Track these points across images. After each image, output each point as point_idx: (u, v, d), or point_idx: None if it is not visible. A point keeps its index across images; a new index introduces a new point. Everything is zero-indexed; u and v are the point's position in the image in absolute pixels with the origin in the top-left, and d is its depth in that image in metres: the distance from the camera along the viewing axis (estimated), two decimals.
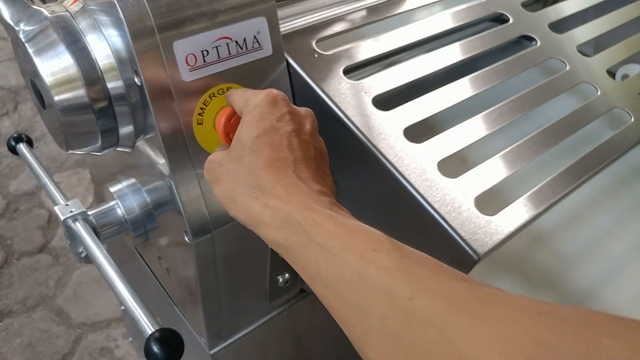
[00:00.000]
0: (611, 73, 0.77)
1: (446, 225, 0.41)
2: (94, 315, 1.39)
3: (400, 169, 0.44)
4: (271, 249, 0.34)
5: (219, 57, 0.44)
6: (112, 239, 0.54)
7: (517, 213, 0.44)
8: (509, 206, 0.45)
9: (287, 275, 0.62)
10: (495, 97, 0.55)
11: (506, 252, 0.58)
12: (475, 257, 0.40)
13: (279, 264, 0.60)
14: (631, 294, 0.55)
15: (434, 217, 0.42)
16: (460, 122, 0.50)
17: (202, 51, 0.42)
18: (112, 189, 0.55)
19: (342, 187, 0.51)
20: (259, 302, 0.63)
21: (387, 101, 0.52)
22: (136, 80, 0.41)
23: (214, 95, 0.45)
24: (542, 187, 0.47)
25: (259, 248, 0.56)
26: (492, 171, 0.47)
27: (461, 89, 0.53)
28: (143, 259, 0.72)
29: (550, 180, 0.48)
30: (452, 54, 0.56)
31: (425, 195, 0.42)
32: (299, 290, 0.67)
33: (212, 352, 0.62)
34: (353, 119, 0.46)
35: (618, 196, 0.65)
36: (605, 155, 0.52)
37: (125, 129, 0.46)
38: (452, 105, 0.51)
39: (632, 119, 0.57)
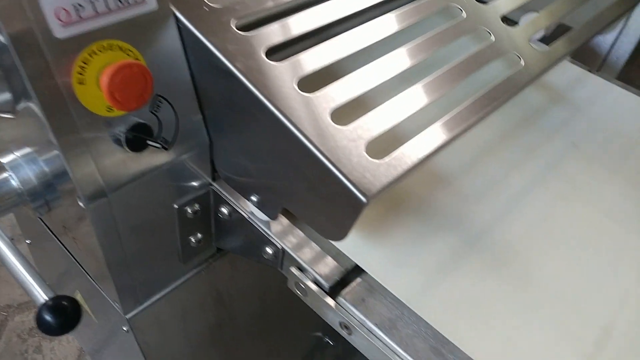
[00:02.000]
0: (513, 21, 0.79)
1: (336, 171, 0.42)
2: (20, 297, 1.34)
3: (292, 119, 0.44)
4: (178, 209, 0.34)
5: (96, 12, 0.42)
6: (8, 212, 0.52)
7: (407, 155, 0.46)
8: (399, 149, 0.46)
9: (199, 235, 0.62)
10: (393, 45, 0.56)
11: (408, 194, 0.60)
12: (363, 199, 0.41)
13: (189, 224, 0.60)
14: (522, 229, 0.58)
15: (324, 165, 0.42)
16: (355, 70, 0.51)
17: (74, 5, 0.40)
18: (4, 160, 0.53)
19: (239, 146, 0.51)
20: (173, 264, 0.63)
21: (281, 53, 0.51)
22: (1, 38, 0.39)
23: (94, 53, 0.43)
24: (433, 129, 0.49)
25: (164, 209, 0.56)
26: (385, 117, 0.48)
27: (360, 38, 0.53)
28: (52, 232, 0.70)
29: (441, 123, 0.50)
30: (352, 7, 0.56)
31: (317, 143, 0.43)
32: (216, 249, 0.67)
33: (128, 316, 0.61)
34: (244, 71, 0.46)
35: (514, 138, 0.69)
36: (495, 97, 0.55)
37: (1, 95, 0.43)
38: (349, 55, 0.51)
39: (523, 63, 0.60)
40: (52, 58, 0.40)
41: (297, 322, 0.94)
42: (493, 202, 0.61)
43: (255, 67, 0.47)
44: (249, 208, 0.56)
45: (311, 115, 0.45)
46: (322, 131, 0.44)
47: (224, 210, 0.58)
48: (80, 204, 0.47)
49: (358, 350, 0.51)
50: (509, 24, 0.64)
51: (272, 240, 0.55)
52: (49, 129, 0.43)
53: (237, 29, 0.49)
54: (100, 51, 0.43)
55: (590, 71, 0.85)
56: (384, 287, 0.51)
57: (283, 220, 0.56)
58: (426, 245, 0.55)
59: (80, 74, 0.42)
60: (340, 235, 0.46)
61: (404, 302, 0.50)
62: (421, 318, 0.49)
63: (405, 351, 0.48)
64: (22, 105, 0.46)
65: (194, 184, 0.57)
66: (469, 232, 0.57)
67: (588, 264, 0.56)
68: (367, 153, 0.44)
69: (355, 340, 0.51)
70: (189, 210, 0.58)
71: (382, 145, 0.46)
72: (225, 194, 0.58)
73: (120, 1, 0.44)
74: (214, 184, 0.58)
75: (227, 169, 0.56)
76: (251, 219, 0.56)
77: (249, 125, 0.49)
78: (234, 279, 0.72)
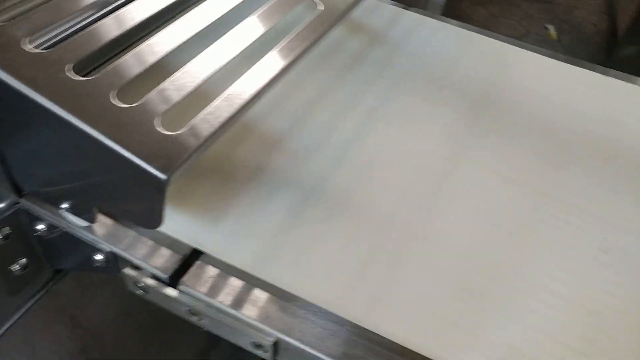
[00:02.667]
0: None
1: (125, 152, 0.39)
2: None
3: (65, 106, 0.39)
4: None
5: None
6: None
7: (208, 121, 0.43)
8: (198, 115, 0.43)
9: (24, 260, 0.56)
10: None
11: (239, 163, 0.57)
12: (163, 177, 0.38)
13: (4, 251, 0.53)
14: (353, 174, 0.58)
15: (111, 148, 0.39)
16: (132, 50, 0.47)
17: None
18: None
19: (31, 153, 0.46)
20: (1, 300, 0.56)
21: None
22: None
23: None
24: (234, 89, 0.47)
25: None
26: (179, 85, 0.45)
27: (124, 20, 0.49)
28: None
29: (242, 81, 0.48)
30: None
31: (97, 126, 0.39)
32: (53, 271, 0.61)
33: None
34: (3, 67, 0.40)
35: (337, 87, 0.69)
36: (294, 46, 0.53)
37: None
38: (116, 37, 0.47)
39: (322, 7, 0.59)
40: None
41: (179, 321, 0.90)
42: (323, 153, 0.60)
43: (18, 60, 0.41)
44: (67, 218, 0.51)
45: (90, 99, 0.41)
46: (104, 113, 0.40)
47: (41, 226, 0.53)
48: None
49: None
50: None
51: (98, 245, 0.50)
52: None
53: None
54: None
55: (405, 8, 0.87)
56: (226, 263, 0.49)
57: (106, 222, 0.51)
58: (263, 211, 0.53)
59: None
60: (156, 221, 0.43)
61: (249, 271, 0.48)
62: (267, 282, 0.48)
63: (258, 321, 0.46)
64: None
65: None
66: (303, 188, 0.56)
67: (419, 194, 0.57)
68: (162, 127, 0.41)
69: (207, 324, 0.49)
70: None
71: (190, 115, 0.43)
72: (36, 208, 0.52)
73: None
74: (22, 201, 0.52)
75: (30, 181, 0.50)
76: (71, 229, 0.51)
77: (30, 127, 0.44)
78: (85, 297, 0.66)
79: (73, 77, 0.42)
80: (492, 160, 0.62)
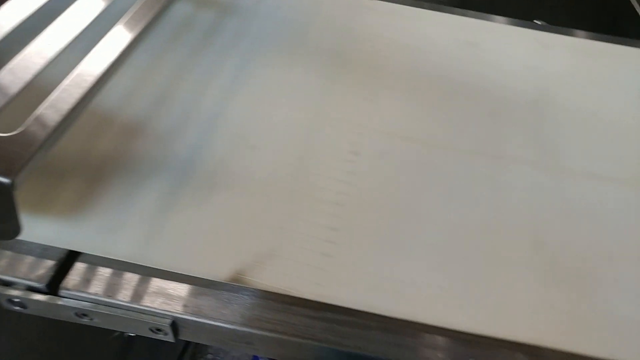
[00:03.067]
0: None
1: None
2: None
3: None
4: None
5: None
6: None
7: (48, 115, 0.41)
8: (37, 111, 0.41)
9: None
10: None
11: (107, 158, 0.55)
12: (7, 182, 0.36)
13: None
14: (221, 148, 0.58)
15: None
16: None
17: None
18: None
19: None
20: None
21: None
22: None
23: None
24: (82, 69, 0.45)
25: None
26: (9, 83, 0.42)
27: None
28: None
29: (87, 61, 0.46)
30: None
31: None
32: None
33: None
34: None
35: (194, 65, 0.68)
36: (139, 19, 0.52)
37: None
38: None
39: None
40: None
41: (88, 335, 0.86)
42: (189, 131, 0.59)
43: None
44: None
45: None
46: None
47: None
48: None
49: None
50: None
51: None
52: None
53: None
54: None
55: None
56: (106, 258, 0.48)
57: None
58: (137, 199, 0.52)
59: None
60: (13, 229, 0.41)
61: (130, 261, 0.47)
62: (151, 267, 0.47)
63: (149, 306, 0.45)
64: None
65: None
66: (174, 170, 0.55)
67: (290, 157, 0.59)
68: None
69: (100, 322, 0.47)
70: None
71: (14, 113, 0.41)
72: None
73: None
74: None
75: None
76: None
77: None
78: None
79: None
80: (355, 115, 0.65)
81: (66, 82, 0.43)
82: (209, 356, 1.36)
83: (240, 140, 0.59)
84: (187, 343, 1.19)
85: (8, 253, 0.47)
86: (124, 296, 0.46)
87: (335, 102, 0.65)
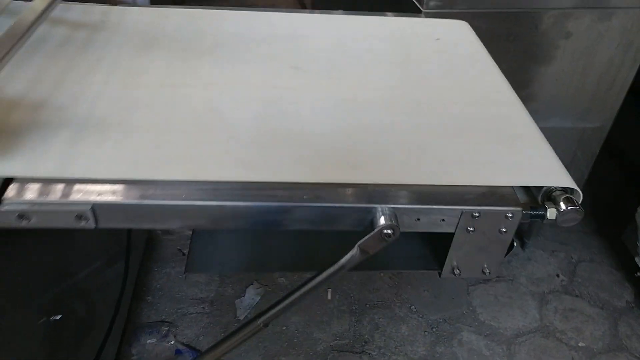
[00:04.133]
0: None
1: None
2: None
3: None
4: None
5: None
6: None
7: None
8: None
9: None
10: None
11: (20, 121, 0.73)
12: None
13: None
14: (108, 107, 0.78)
15: None
16: None
17: None
18: None
19: None
20: None
21: None
22: None
23: None
24: None
25: None
26: None
27: None
28: None
29: None
30: None
31: None
32: None
33: None
34: None
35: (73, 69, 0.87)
36: None
37: None
38: None
39: None
40: None
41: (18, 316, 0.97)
42: (76, 101, 0.79)
43: None
44: None
45: None
46: None
47: None
48: None
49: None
50: None
51: None
52: None
53: None
54: None
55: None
56: (29, 176, 0.65)
57: None
58: (46, 143, 0.70)
59: None
60: None
61: (51, 176, 0.65)
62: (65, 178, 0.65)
63: (70, 200, 0.63)
64: None
65: None
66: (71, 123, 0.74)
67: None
68: None
69: (36, 222, 0.64)
70: None
71: None
72: None
73: None
74: None
75: None
76: None
77: None
78: None
79: None
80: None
81: None
82: (134, 358, 1.47)
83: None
84: (108, 334, 1.30)
85: None
86: (52, 195, 0.64)
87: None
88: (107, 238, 1.42)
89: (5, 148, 0.68)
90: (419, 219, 0.70)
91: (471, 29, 1.14)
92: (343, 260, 0.71)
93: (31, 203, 0.63)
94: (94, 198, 0.64)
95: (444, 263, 0.77)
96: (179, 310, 1.62)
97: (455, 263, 0.76)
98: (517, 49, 1.43)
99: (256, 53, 0.95)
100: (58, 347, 1.11)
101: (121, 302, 1.41)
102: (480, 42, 1.09)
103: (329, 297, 1.72)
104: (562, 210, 0.71)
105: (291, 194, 0.68)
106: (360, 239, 0.69)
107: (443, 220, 0.70)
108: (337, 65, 0.94)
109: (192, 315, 1.61)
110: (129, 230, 1.53)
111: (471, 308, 1.73)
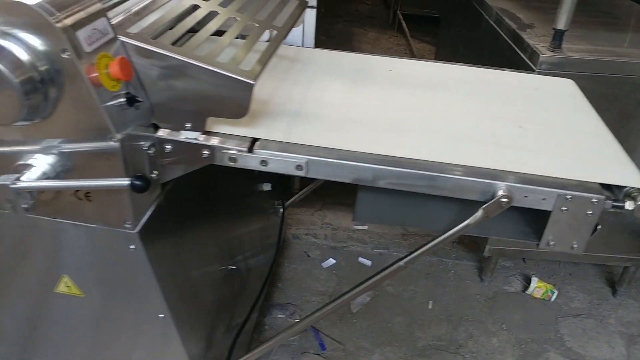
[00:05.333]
0: None
1: (231, 74, 0.92)
2: None
3: (198, 62, 0.92)
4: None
5: (99, 37, 0.85)
6: None
7: (251, 61, 0.98)
8: (247, 59, 0.98)
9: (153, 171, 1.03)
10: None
11: (273, 106, 1.11)
12: (252, 82, 0.92)
13: (151, 160, 1.01)
14: (307, 105, 1.15)
15: (222, 75, 0.92)
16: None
17: (89, 35, 0.83)
18: None
19: (175, 99, 0.97)
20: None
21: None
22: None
23: (100, 58, 0.85)
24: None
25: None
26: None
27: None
28: None
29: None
30: None
31: (212, 66, 0.92)
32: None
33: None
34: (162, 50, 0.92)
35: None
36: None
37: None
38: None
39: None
40: (85, 61, 0.82)
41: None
42: (289, 101, 1.17)
43: (166, 47, 0.93)
44: (182, 136, 1.00)
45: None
46: (212, 61, 0.93)
47: (167, 146, 1.01)
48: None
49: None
50: None
51: (205, 145, 1.00)
52: (98, 100, 0.83)
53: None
54: (100, 58, 0.85)
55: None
56: (267, 138, 1.02)
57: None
58: (275, 121, 1.07)
59: (98, 69, 0.84)
60: (243, 111, 0.95)
61: (282, 140, 1.02)
62: (292, 142, 1.01)
63: (291, 151, 0.99)
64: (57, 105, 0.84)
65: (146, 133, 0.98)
66: (297, 112, 1.11)
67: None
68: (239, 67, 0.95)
69: (271, 168, 1.00)
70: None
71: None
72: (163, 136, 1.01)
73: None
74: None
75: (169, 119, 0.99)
76: (185, 140, 1.00)
77: (177, 81, 0.95)
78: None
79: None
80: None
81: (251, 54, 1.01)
82: (266, 327, 1.80)
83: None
84: (257, 299, 1.64)
85: (228, 138, 1.01)
86: (282, 152, 0.99)
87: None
88: (267, 231, 1.80)
89: (254, 122, 1.06)
90: (526, 196, 0.98)
91: (576, 86, 1.42)
92: (469, 220, 1.00)
93: (269, 154, 1.00)
94: (307, 156, 0.99)
95: (541, 238, 1.04)
96: (303, 297, 1.94)
97: (550, 237, 1.03)
98: (616, 108, 1.67)
99: (419, 89, 1.30)
100: (229, 290, 1.46)
101: (266, 282, 1.76)
102: (583, 95, 1.36)
103: (430, 306, 1.96)
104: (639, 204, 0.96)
105: (441, 167, 0.99)
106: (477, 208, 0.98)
107: (544, 199, 0.98)
108: (471, 99, 1.27)
109: (313, 302, 1.92)
110: (281, 230, 1.92)
111: (559, 335, 1.90)
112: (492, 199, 0.97)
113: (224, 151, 1.00)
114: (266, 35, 1.18)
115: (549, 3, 2.32)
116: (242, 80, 0.92)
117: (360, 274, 2.09)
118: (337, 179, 1.02)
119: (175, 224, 1.15)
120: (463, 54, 2.65)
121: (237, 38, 1.08)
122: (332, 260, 2.14)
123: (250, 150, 1.00)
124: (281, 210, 2.01)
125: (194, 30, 1.05)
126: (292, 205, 2.14)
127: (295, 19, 1.32)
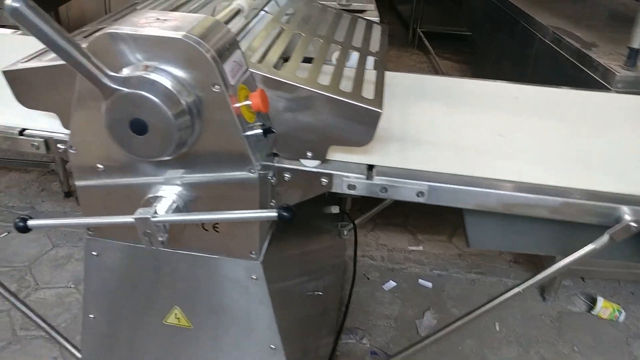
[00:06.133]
0: None
1: (360, 104, 0.92)
2: None
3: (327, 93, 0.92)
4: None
5: (238, 72, 0.85)
6: None
7: (369, 91, 0.98)
8: (369, 90, 0.98)
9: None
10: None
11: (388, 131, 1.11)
12: (379, 111, 0.92)
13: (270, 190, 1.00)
14: (408, 128, 1.15)
15: (351, 104, 0.92)
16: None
17: (233, 69, 0.83)
18: None
19: (299, 128, 0.96)
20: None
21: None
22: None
23: (240, 90, 0.85)
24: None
25: None
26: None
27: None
28: None
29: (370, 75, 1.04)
30: None
31: (343, 97, 0.92)
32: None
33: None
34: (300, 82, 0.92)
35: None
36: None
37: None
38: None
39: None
40: (231, 93, 0.82)
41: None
42: (389, 123, 1.17)
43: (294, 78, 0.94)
44: (302, 164, 1.00)
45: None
46: (340, 92, 0.94)
47: (287, 174, 1.01)
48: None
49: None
50: None
51: (324, 173, 1.00)
52: (241, 132, 0.83)
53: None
54: (240, 90, 0.86)
55: None
56: (384, 165, 1.02)
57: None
58: (386, 146, 1.07)
59: (239, 101, 0.84)
60: (368, 139, 0.95)
61: (396, 166, 1.01)
62: (408, 169, 1.01)
63: (412, 177, 0.98)
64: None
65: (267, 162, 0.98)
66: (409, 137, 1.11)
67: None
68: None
69: (390, 194, 0.99)
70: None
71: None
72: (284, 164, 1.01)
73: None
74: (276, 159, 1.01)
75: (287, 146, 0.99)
76: (305, 168, 1.00)
77: (303, 110, 0.95)
78: None
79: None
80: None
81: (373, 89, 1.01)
82: (338, 352, 1.77)
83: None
84: (343, 322, 1.63)
85: (342, 168, 1.01)
86: (401, 179, 0.99)
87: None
88: (334, 254, 1.80)
89: (365, 149, 1.06)
90: None
91: None
92: (594, 244, 0.99)
93: (389, 180, 0.99)
94: (428, 182, 0.99)
95: None
96: (370, 321, 1.92)
97: None
98: None
99: (510, 112, 1.30)
100: (316, 314, 1.45)
101: (347, 306, 1.75)
102: None
103: (497, 328, 1.94)
104: None
105: (564, 192, 0.98)
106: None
107: None
108: (567, 121, 1.26)
109: (380, 326, 1.90)
110: (355, 252, 1.91)
111: (633, 356, 1.87)
112: (617, 222, 0.96)
113: (344, 179, 1.00)
114: (354, 58, 1.18)
115: (601, 21, 2.33)
116: (371, 110, 0.92)
117: (422, 296, 2.07)
118: (459, 205, 1.01)
119: (282, 252, 1.14)
120: (508, 73, 2.66)
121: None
122: (392, 283, 2.12)
123: (368, 177, 1.00)
124: (349, 231, 2.00)
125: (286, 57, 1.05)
126: (345, 226, 2.14)
127: (385, 44, 1.33)
